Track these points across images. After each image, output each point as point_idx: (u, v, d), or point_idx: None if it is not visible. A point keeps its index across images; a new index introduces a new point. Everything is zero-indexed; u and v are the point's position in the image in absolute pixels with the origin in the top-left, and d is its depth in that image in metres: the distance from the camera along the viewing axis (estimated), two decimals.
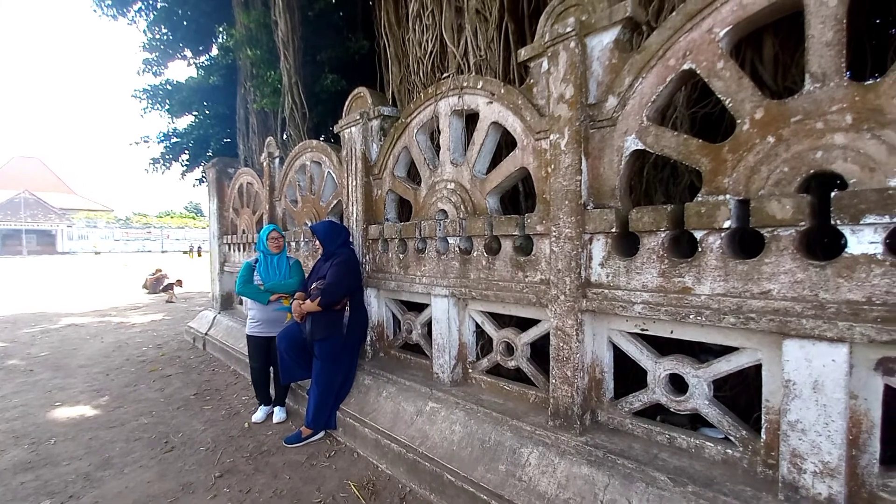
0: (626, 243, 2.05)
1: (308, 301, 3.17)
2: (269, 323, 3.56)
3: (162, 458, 3.07)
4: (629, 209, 1.99)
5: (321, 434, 3.28)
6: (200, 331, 6.29)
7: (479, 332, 2.94)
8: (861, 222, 1.39)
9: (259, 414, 3.57)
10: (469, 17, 2.90)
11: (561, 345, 2.19)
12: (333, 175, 4.09)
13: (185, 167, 8.76)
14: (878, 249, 1.38)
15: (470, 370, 2.91)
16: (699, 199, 1.79)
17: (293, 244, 4.68)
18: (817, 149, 1.49)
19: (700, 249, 1.77)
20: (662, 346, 2.09)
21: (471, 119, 2.91)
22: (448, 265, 2.86)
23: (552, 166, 2.18)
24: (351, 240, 3.53)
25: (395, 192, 3.43)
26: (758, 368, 1.76)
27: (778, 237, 1.57)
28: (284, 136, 5.20)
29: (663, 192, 2.53)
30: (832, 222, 1.45)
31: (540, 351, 2.61)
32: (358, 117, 3.52)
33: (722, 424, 1.85)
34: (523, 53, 2.38)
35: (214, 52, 7.91)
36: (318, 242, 3.27)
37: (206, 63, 6.78)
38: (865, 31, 2.15)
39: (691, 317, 1.77)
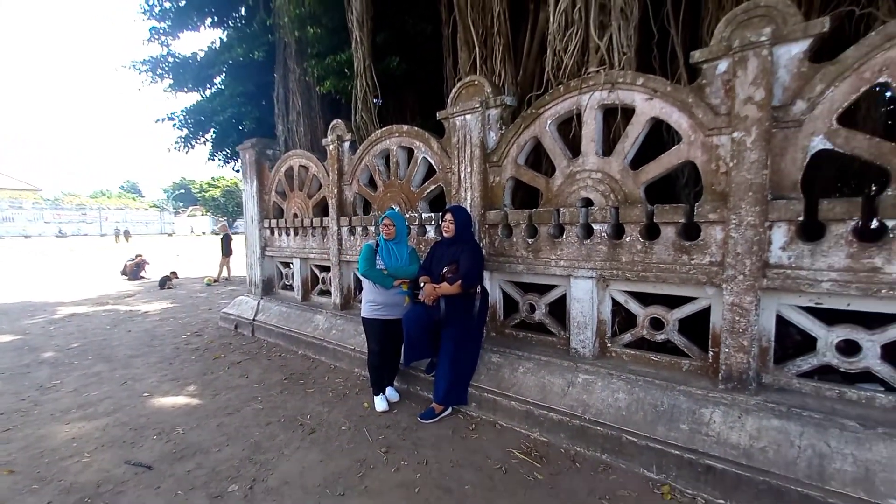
0: (808, 229, 2.37)
1: (444, 284, 3.30)
2: (389, 307, 3.63)
3: (311, 439, 3.14)
4: (812, 200, 2.31)
5: (450, 410, 3.46)
6: (245, 316, 6.15)
7: (616, 311, 3.22)
8: None
9: (381, 404, 3.60)
10: (615, 15, 3.08)
11: (737, 318, 2.51)
12: (431, 161, 4.16)
13: (211, 146, 8.26)
14: None
15: (609, 345, 3.19)
16: (890, 192, 2.13)
17: (371, 229, 4.72)
18: None
19: (892, 235, 2.12)
20: (822, 318, 2.45)
21: (609, 113, 3.12)
22: (592, 249, 3.10)
23: (735, 161, 2.46)
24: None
25: (517, 180, 3.59)
26: None
27: None
28: (354, 120, 5.11)
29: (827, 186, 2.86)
30: None
31: (685, 325, 2.93)
32: (477, 105, 3.62)
33: (894, 378, 2.25)
34: (697, 55, 2.62)
35: (232, 24, 7.47)
36: (453, 225, 3.37)
37: (237, 35, 6.37)
38: None
39: (883, 291, 2.13)
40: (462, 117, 3.75)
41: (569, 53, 3.26)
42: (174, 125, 8.02)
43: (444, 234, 3.48)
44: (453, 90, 3.89)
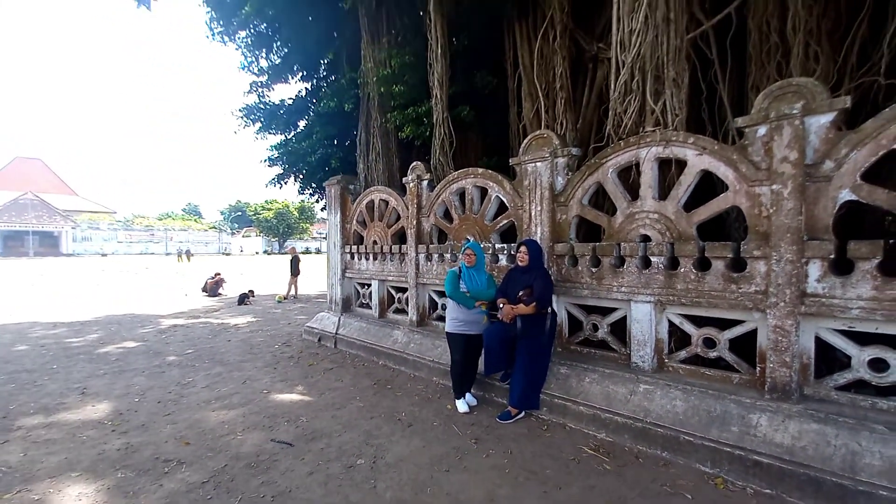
0: (839, 265, 2.86)
1: (521, 305, 3.94)
2: (470, 323, 4.31)
3: (410, 430, 3.81)
4: (842, 242, 2.81)
5: (523, 413, 4.04)
6: (328, 330, 7.01)
7: (672, 331, 3.74)
8: None
9: (463, 406, 4.24)
10: (668, 84, 3.71)
11: (780, 339, 3.00)
12: (504, 199, 4.87)
13: (301, 184, 9.49)
14: None
15: (666, 360, 3.70)
16: None
17: (446, 256, 5.45)
18: None
19: None
20: (861, 340, 2.90)
21: (664, 163, 3.72)
22: (650, 278, 3.66)
23: (774, 208, 3.00)
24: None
25: (581, 217, 4.23)
26: None
27: None
28: (432, 162, 5.95)
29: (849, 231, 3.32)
30: None
31: (735, 344, 3.41)
32: (546, 154, 4.31)
33: None
34: (740, 122, 3.21)
35: (318, 77, 8.69)
36: (527, 255, 4.03)
37: (330, 90, 7.50)
38: None
39: None
40: (533, 164, 4.45)
41: (628, 115, 3.91)
42: (271, 164, 9.26)
43: (519, 263, 4.14)
44: (525, 141, 4.60)
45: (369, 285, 6.87)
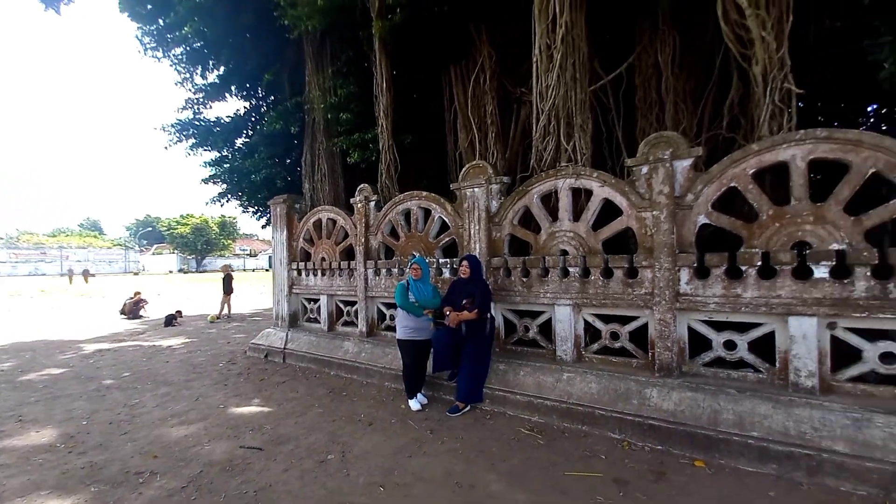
0: (701, 271, 3.83)
1: (465, 312, 4.57)
2: (419, 330, 4.85)
3: (371, 428, 4.26)
4: (702, 254, 3.78)
5: (469, 406, 4.66)
6: (275, 346, 7.15)
7: (586, 328, 4.57)
8: (821, 263, 3.28)
9: (416, 404, 4.76)
10: (577, 129, 4.60)
11: (663, 329, 3.92)
12: (446, 219, 5.52)
13: (244, 202, 9.37)
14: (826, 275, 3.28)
15: (583, 352, 4.52)
16: (743, 250, 3.62)
17: (394, 270, 5.97)
18: (799, 228, 3.38)
19: (744, 275, 3.60)
20: (717, 327, 3.88)
21: (576, 192, 4.59)
22: (570, 285, 4.48)
23: (655, 229, 3.93)
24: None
25: (513, 235, 4.98)
26: (771, 333, 3.59)
27: (784, 271, 3.43)
28: (378, 184, 6.46)
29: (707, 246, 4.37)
30: (807, 262, 3.33)
31: (633, 336, 4.31)
32: (483, 181, 5.04)
33: (756, 364, 3.67)
34: (629, 162, 4.13)
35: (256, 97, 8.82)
36: (468, 268, 4.68)
37: (276, 112, 7.66)
38: None
39: (742, 309, 3.58)
40: (471, 189, 5.15)
41: (547, 152, 4.75)
42: (209, 182, 9.14)
43: (461, 275, 4.78)
44: (464, 169, 5.30)
45: (317, 300, 7.15)
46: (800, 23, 3.75)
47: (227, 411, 4.81)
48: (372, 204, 6.29)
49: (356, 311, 6.49)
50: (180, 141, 9.29)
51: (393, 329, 6.04)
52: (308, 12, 5.95)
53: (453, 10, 5.05)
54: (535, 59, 4.69)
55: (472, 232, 5.17)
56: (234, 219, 67.99)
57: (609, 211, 4.47)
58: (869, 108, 5.60)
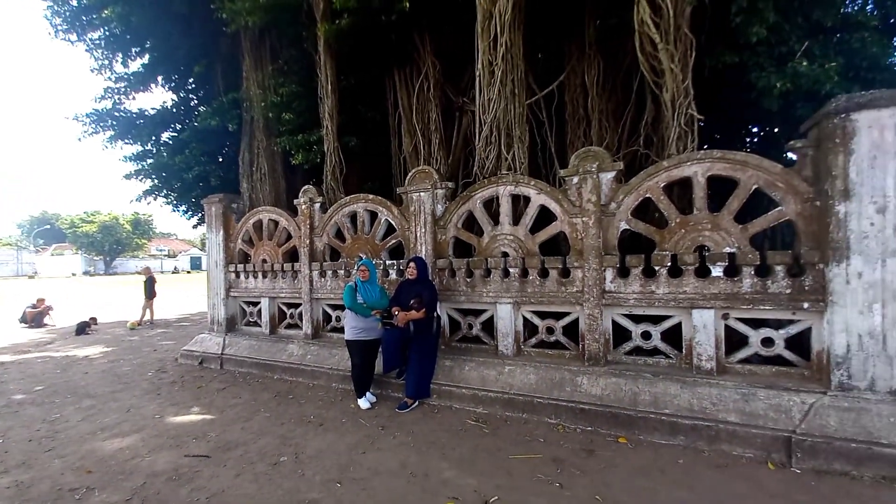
0: (623, 271, 4.35)
1: (412, 311, 4.77)
2: (367, 330, 4.97)
3: (322, 428, 4.32)
4: (623, 255, 4.30)
5: (417, 403, 4.87)
6: (211, 352, 6.87)
7: (525, 324, 4.96)
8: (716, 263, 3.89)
9: (365, 403, 4.88)
10: (515, 140, 4.97)
11: (592, 323, 4.39)
12: (392, 222, 5.67)
13: (174, 200, 8.67)
14: (720, 273, 3.89)
15: (522, 346, 4.91)
16: (656, 253, 4.17)
17: (340, 272, 6.03)
18: (700, 234, 3.98)
19: (657, 274, 4.15)
20: (636, 320, 4.42)
21: (516, 198, 4.96)
22: (510, 284, 4.84)
23: (584, 233, 4.39)
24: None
25: (457, 238, 5.26)
26: (679, 324, 4.18)
27: (689, 270, 4.01)
28: (323, 186, 6.43)
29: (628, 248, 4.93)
30: (706, 263, 3.94)
31: (567, 330, 4.76)
32: (429, 186, 5.26)
33: (667, 350, 4.25)
34: (562, 173, 4.57)
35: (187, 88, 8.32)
36: (415, 270, 4.88)
37: (212, 108, 7.23)
38: None
39: (656, 304, 4.13)
40: (418, 193, 5.36)
41: (489, 160, 5.08)
42: (133, 178, 8.45)
43: (409, 276, 4.98)
44: (410, 174, 5.49)
45: (258, 303, 6.97)
46: (701, 58, 4.38)
47: (164, 421, 4.62)
48: (317, 206, 6.28)
49: (300, 314, 6.44)
50: (97, 132, 8.52)
51: (339, 330, 6.10)
52: (249, 8, 5.80)
53: (400, 19, 5.21)
54: (477, 74, 5.00)
55: (418, 234, 5.38)
56: (150, 216, 62.58)
57: (545, 216, 4.89)
58: (755, 128, 6.59)
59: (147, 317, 11.70)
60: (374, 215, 5.90)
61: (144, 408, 5.04)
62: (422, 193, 5.34)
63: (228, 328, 7.16)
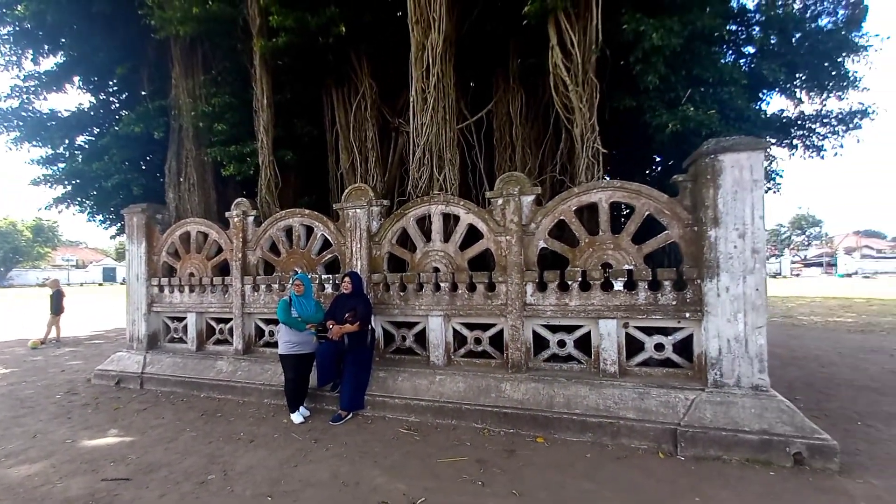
0: (542, 285, 4.80)
1: (347, 325, 4.91)
2: (302, 344, 5.03)
3: (253, 445, 4.32)
4: (542, 271, 4.76)
5: (352, 414, 5.00)
6: (130, 371, 6.50)
7: (455, 335, 5.28)
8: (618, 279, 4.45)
9: (298, 417, 4.92)
10: (447, 162, 5.31)
11: (515, 333, 4.80)
12: (328, 237, 5.79)
13: (90, 209, 7.95)
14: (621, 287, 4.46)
15: (453, 357, 5.22)
16: (569, 269, 4.67)
17: (274, 286, 6.02)
18: (605, 253, 4.53)
19: (570, 288, 4.65)
20: (553, 330, 4.89)
21: (447, 216, 5.30)
22: (441, 298, 5.15)
23: (508, 250, 4.81)
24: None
25: (391, 254, 5.49)
26: (589, 333, 4.70)
27: (595, 285, 4.54)
28: (258, 199, 6.37)
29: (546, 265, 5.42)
30: (610, 278, 4.49)
31: (492, 340, 5.14)
32: (364, 203, 5.46)
33: (580, 357, 4.74)
34: (489, 195, 4.98)
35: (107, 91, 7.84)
36: (351, 284, 5.03)
37: (135, 114, 6.83)
38: None
39: (569, 315, 4.62)
40: (354, 210, 5.53)
41: (422, 180, 5.39)
42: (41, 183, 7.75)
43: (344, 290, 5.12)
44: (346, 191, 5.66)
45: (183, 318, 6.71)
46: (605, 100, 5.02)
47: (77, 445, 4.37)
48: (250, 219, 6.22)
49: (231, 329, 6.31)
50: (1, 133, 7.77)
51: (272, 345, 6.06)
52: (181, 17, 5.69)
53: (337, 42, 5.40)
54: (411, 100, 5.31)
55: (353, 250, 5.54)
56: (55, 223, 56.36)
57: (473, 234, 5.26)
58: (658, 159, 7.51)
59: (53, 334, 10.67)
60: (310, 230, 5.98)
61: (53, 432, 4.71)
62: (358, 210, 5.52)
63: (150, 345, 6.81)
